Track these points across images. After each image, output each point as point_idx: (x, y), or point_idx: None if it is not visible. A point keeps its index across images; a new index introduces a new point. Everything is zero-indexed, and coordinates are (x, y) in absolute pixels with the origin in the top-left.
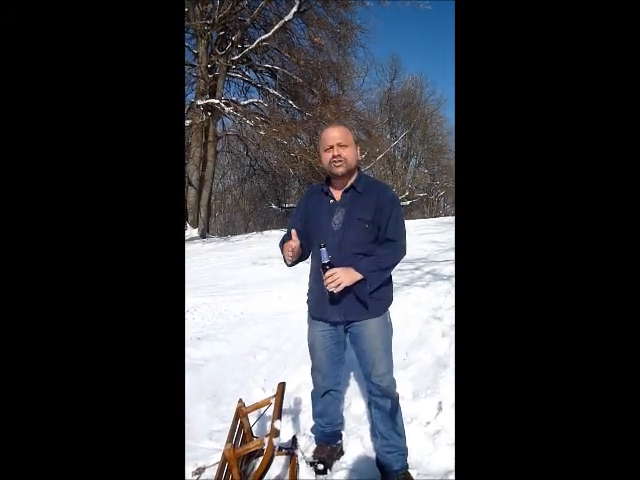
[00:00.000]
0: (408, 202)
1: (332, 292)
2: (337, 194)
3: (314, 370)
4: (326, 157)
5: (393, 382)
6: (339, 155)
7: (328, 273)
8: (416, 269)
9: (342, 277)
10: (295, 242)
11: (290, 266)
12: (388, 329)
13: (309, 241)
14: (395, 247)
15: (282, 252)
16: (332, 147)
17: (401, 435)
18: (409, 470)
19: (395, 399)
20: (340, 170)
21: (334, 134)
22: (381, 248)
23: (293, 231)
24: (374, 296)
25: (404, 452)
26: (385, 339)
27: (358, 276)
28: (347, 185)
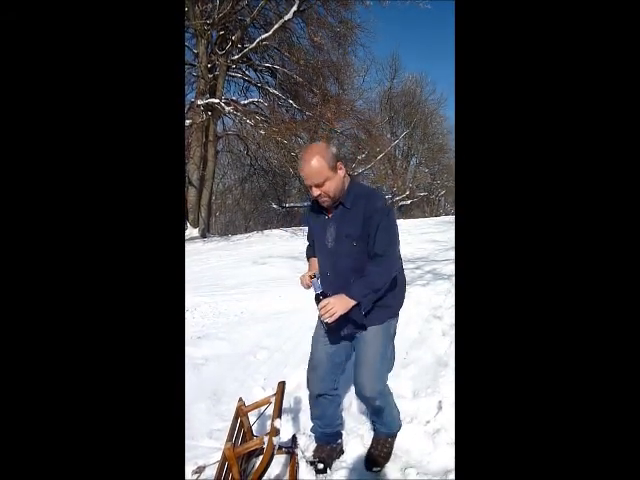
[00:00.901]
0: (409, 201)
1: (327, 322)
2: (330, 209)
3: (311, 370)
4: (310, 190)
5: (380, 393)
6: (319, 195)
7: (321, 304)
8: (416, 268)
9: (336, 307)
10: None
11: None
12: (387, 338)
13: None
14: (384, 263)
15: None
16: (311, 187)
17: (387, 424)
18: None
19: (377, 407)
20: (327, 205)
21: (307, 173)
22: (371, 265)
23: (313, 263)
24: (378, 303)
25: (389, 427)
26: (380, 348)
27: (351, 302)
28: (337, 202)
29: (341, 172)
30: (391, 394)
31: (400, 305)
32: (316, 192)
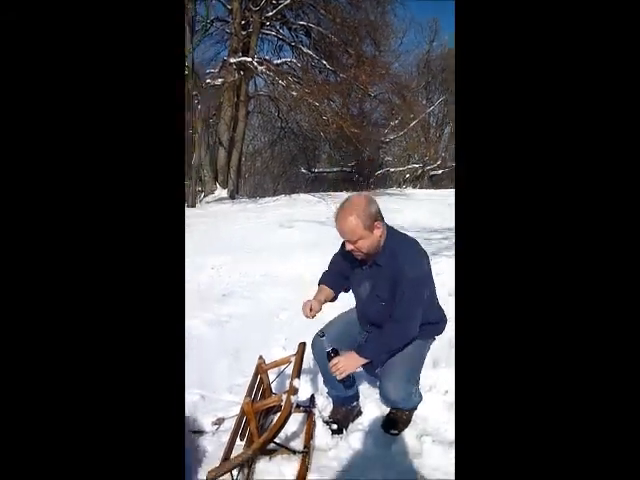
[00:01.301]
0: (440, 171)
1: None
2: (364, 262)
3: (312, 346)
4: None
5: (403, 399)
6: (353, 250)
7: (332, 362)
8: (444, 239)
9: (345, 366)
10: (314, 310)
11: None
12: (419, 356)
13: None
14: (402, 330)
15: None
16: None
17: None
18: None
19: (399, 408)
20: (360, 258)
21: (340, 229)
22: (389, 327)
23: (322, 291)
24: (421, 327)
25: (409, 406)
26: (411, 364)
27: (362, 361)
28: (371, 259)
29: (377, 232)
30: (416, 392)
31: (439, 333)
32: (349, 247)
